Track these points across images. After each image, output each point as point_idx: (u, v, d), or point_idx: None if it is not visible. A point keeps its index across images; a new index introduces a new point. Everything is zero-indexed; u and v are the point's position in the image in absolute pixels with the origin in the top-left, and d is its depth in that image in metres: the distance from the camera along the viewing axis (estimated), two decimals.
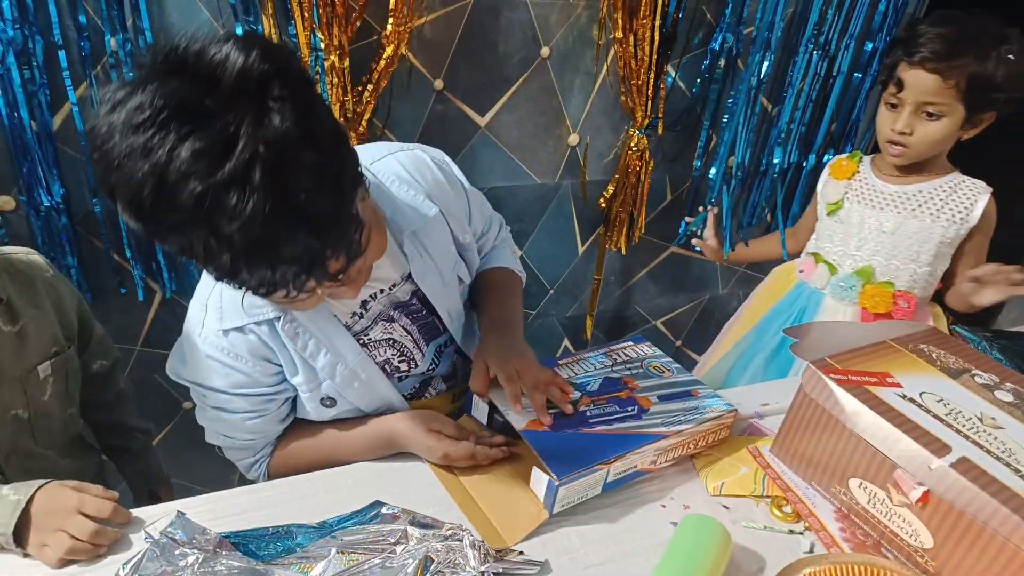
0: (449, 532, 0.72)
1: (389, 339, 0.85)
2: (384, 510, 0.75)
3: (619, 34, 1.42)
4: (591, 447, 0.76)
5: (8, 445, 0.82)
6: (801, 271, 1.43)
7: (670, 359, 0.94)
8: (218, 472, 1.61)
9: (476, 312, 0.97)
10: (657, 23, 1.42)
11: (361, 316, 0.83)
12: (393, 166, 0.83)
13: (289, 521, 0.74)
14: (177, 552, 0.65)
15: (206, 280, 0.79)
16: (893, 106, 1.20)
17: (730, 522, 0.77)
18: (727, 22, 1.49)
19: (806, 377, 0.81)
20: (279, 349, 0.77)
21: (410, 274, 0.84)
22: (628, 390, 0.87)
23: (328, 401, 0.83)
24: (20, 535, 0.67)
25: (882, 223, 1.28)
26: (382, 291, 0.83)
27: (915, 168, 1.25)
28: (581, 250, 1.71)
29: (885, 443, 0.72)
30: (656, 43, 1.44)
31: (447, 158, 0.91)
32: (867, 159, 1.34)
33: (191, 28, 1.14)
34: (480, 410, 0.86)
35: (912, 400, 0.76)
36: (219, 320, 0.75)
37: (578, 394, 0.85)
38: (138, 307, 1.33)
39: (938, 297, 1.33)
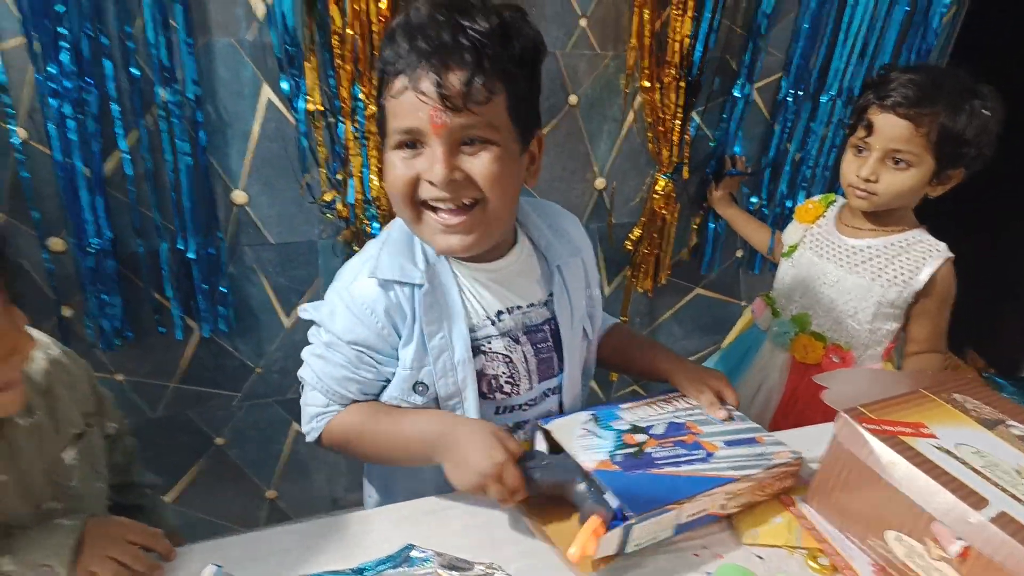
0: (481, 572, 0.72)
1: (507, 357, 0.87)
2: (415, 553, 0.76)
3: (646, 83, 1.45)
4: (662, 488, 0.76)
5: None
6: (752, 310, 1.43)
7: (731, 406, 0.94)
8: (244, 509, 1.64)
9: (631, 358, 1.05)
10: (683, 72, 1.46)
11: (493, 323, 0.86)
12: (545, 208, 0.97)
13: (320, 565, 0.74)
14: None
15: (366, 251, 0.87)
16: (860, 150, 1.16)
17: (764, 573, 0.76)
18: (748, 71, 1.52)
19: (839, 426, 0.81)
20: (408, 315, 0.82)
21: (547, 301, 0.90)
22: (692, 435, 0.87)
23: (420, 388, 0.85)
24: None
25: (825, 274, 1.24)
26: (519, 307, 0.88)
27: (876, 219, 1.21)
28: (608, 291, 1.72)
29: (922, 496, 0.72)
30: (682, 91, 1.47)
31: None
32: (836, 206, 1.31)
33: (237, 80, 1.19)
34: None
35: (948, 452, 0.76)
36: (374, 271, 0.82)
37: (644, 436, 0.85)
38: (176, 345, 1.37)
39: None
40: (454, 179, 0.74)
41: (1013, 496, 0.70)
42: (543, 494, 0.78)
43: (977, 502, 0.69)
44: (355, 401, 0.87)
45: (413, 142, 0.74)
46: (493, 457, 0.74)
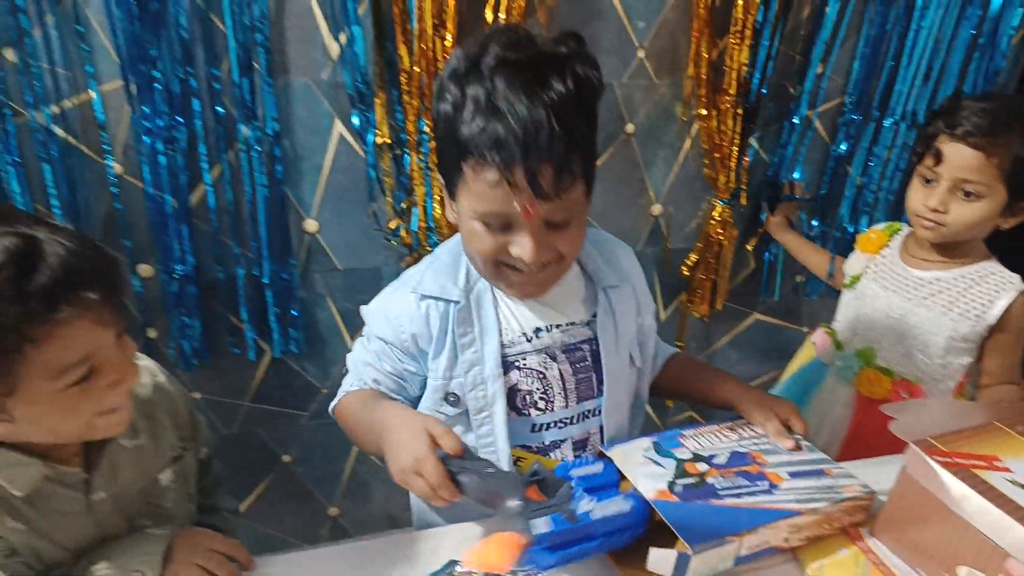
0: None
1: (541, 373, 0.90)
2: (458, 569, 0.78)
3: (702, 111, 1.47)
4: (722, 519, 0.76)
5: None
6: (814, 343, 1.39)
7: (799, 436, 0.93)
8: (307, 525, 1.69)
9: (692, 384, 1.05)
10: (740, 99, 1.47)
11: (529, 340, 0.89)
12: (598, 236, 0.99)
13: None
14: None
15: (418, 266, 0.94)
16: (928, 180, 1.12)
17: None
18: (808, 96, 1.52)
19: (908, 458, 0.80)
20: (440, 330, 0.87)
21: (589, 322, 0.92)
22: (757, 465, 0.86)
23: (452, 398, 0.89)
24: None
25: (891, 307, 1.20)
26: (558, 325, 0.90)
27: (944, 251, 1.16)
28: (663, 316, 1.73)
29: (996, 530, 0.70)
30: (739, 118, 1.48)
31: None
32: (901, 235, 1.27)
33: (312, 116, 1.26)
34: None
35: (1023, 486, 0.74)
36: (416, 286, 0.89)
37: (705, 466, 0.84)
38: (249, 366, 1.44)
39: None
40: (542, 256, 0.78)
41: None
42: (474, 500, 0.75)
43: None
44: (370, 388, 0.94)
45: (501, 224, 0.77)
46: (415, 451, 0.73)
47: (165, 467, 0.86)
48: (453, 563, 0.79)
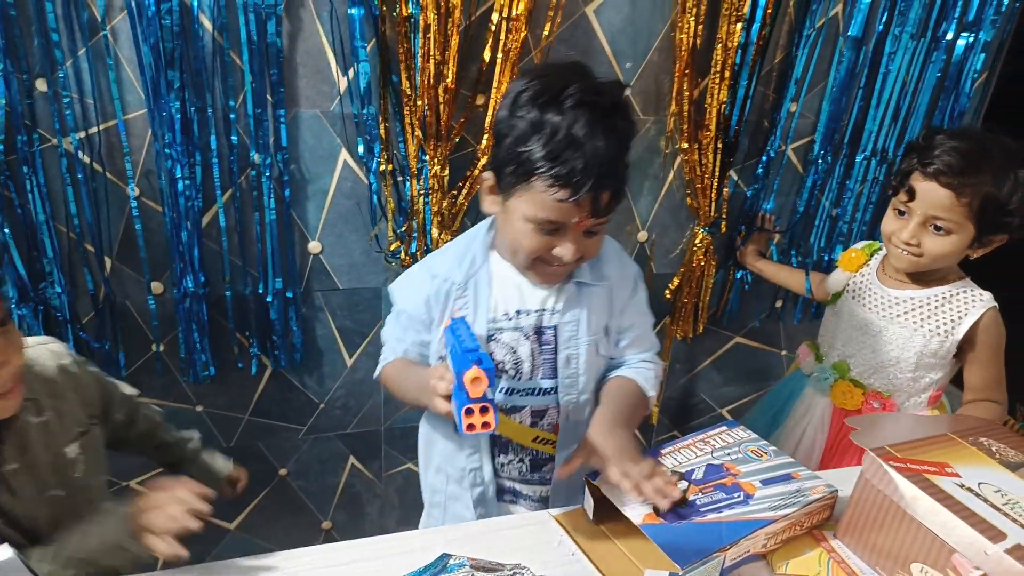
0: (511, 572, 0.81)
1: (513, 348, 1.03)
2: (451, 561, 0.85)
3: (684, 144, 1.56)
4: (706, 535, 0.82)
5: (50, 523, 0.88)
6: (798, 355, 1.47)
7: (766, 442, 1.00)
8: (301, 538, 1.73)
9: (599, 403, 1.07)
10: (720, 134, 1.56)
11: (509, 319, 1.02)
12: (604, 243, 1.07)
13: None
14: None
15: (434, 254, 1.11)
16: (901, 213, 1.18)
17: None
18: (782, 132, 1.62)
19: (866, 464, 0.87)
20: (443, 303, 1.02)
21: (558, 309, 1.02)
22: (731, 476, 0.92)
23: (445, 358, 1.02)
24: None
25: (867, 324, 1.27)
26: (537, 310, 1.02)
27: (917, 274, 1.22)
28: None
29: (943, 529, 0.78)
30: (719, 151, 1.58)
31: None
32: (880, 255, 1.33)
33: (320, 145, 1.35)
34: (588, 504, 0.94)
35: (970, 489, 0.82)
36: (431, 267, 1.05)
37: (685, 483, 0.90)
38: (251, 381, 1.50)
39: None
40: (577, 256, 0.93)
41: None
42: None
43: (995, 536, 0.74)
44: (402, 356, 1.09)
45: (551, 228, 0.91)
46: (432, 374, 0.90)
47: (71, 441, 0.92)
48: (446, 556, 0.85)
